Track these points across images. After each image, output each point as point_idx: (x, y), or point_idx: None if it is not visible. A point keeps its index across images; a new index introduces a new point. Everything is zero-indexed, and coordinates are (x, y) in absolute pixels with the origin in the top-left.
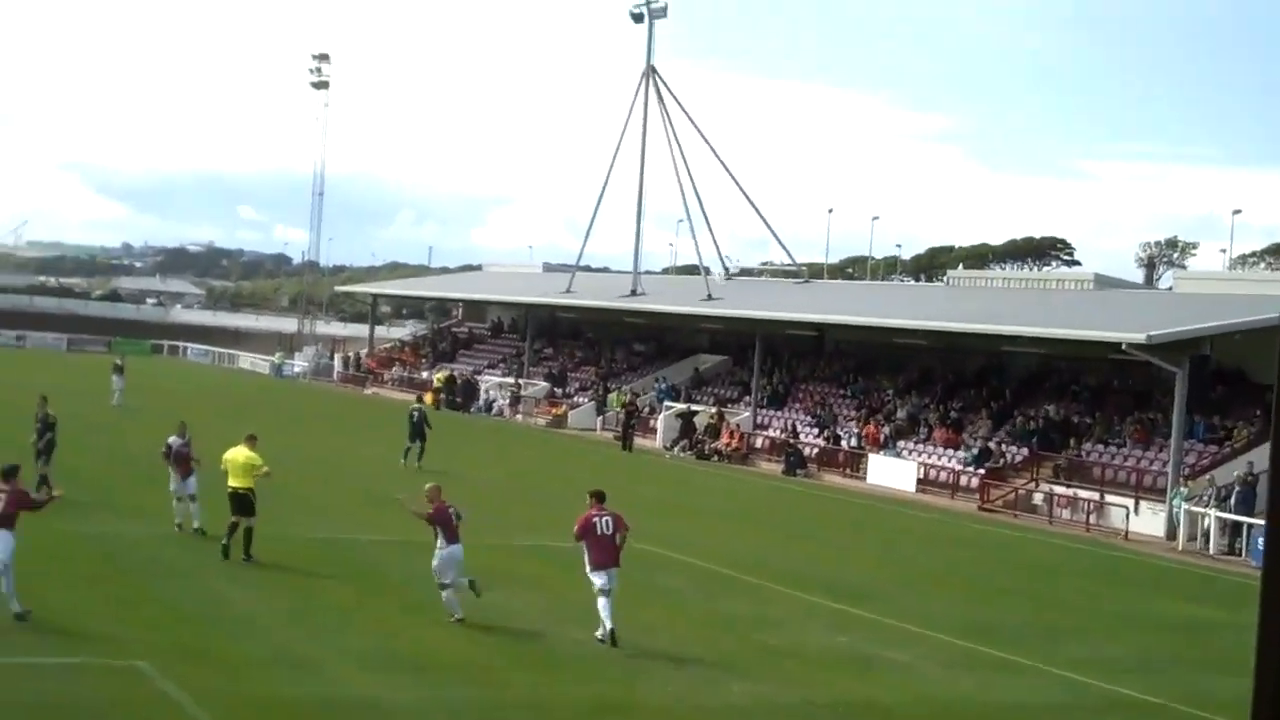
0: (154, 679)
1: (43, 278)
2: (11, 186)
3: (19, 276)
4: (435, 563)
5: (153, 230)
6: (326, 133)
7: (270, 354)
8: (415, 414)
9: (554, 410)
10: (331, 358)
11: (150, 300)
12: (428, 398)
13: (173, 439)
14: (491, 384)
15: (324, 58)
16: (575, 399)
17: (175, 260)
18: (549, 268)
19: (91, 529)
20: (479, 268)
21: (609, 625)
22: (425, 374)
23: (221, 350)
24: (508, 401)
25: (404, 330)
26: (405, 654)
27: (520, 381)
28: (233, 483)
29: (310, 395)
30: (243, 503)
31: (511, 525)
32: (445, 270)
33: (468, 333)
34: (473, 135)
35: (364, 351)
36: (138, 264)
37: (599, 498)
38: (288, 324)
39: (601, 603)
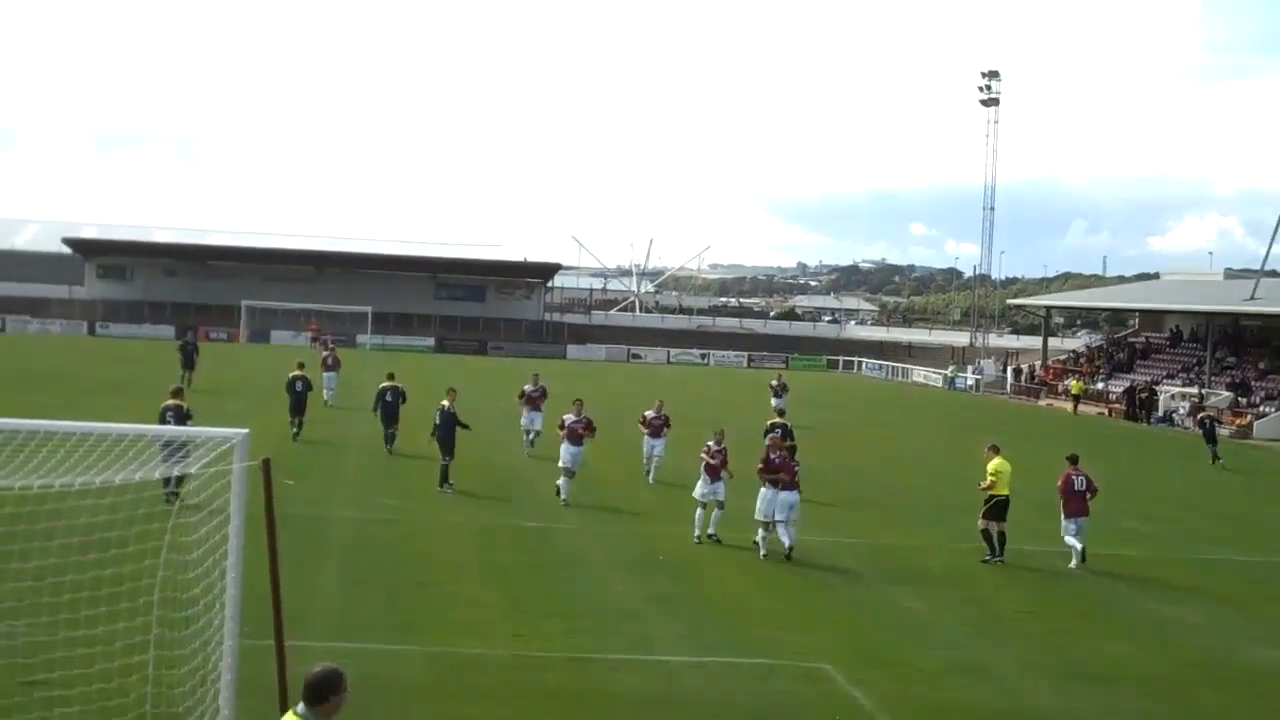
0: (839, 682)
1: (724, 298)
2: (693, 213)
3: (702, 299)
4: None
5: (827, 250)
6: (996, 149)
7: (943, 367)
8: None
9: (1238, 420)
10: (1004, 370)
11: (825, 317)
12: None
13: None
14: (1171, 394)
15: (993, 75)
16: (1261, 409)
17: (848, 278)
18: (1231, 274)
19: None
20: (1156, 276)
21: (1078, 548)
22: (1100, 385)
23: (894, 364)
24: (1188, 412)
25: (1078, 341)
26: (1083, 664)
27: (1203, 391)
28: (1002, 491)
29: (984, 408)
30: (1005, 508)
31: (1194, 539)
32: (1120, 280)
33: (1145, 342)
34: (1149, 139)
35: (1037, 363)
36: (813, 283)
37: (1074, 460)
38: (959, 337)
39: (1071, 540)
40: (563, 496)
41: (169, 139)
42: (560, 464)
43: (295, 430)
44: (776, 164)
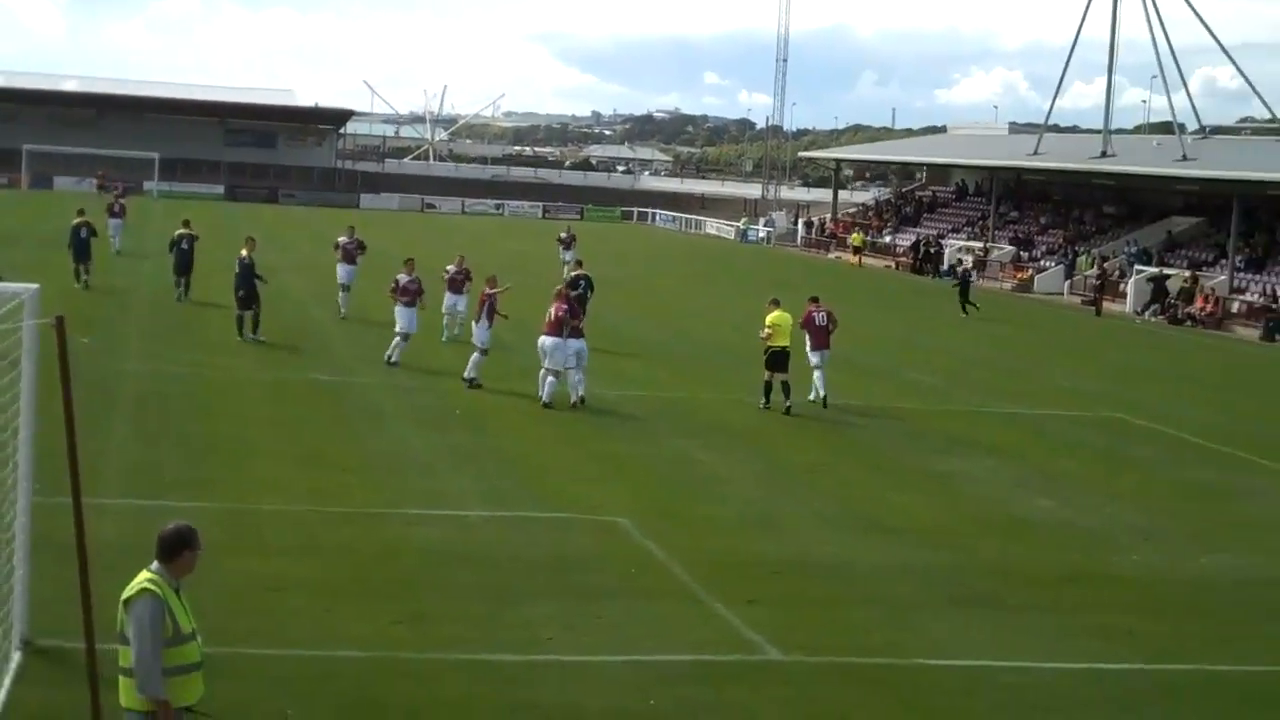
0: (634, 535)
1: (518, 148)
2: (486, 61)
3: (496, 147)
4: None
5: (621, 99)
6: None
7: (736, 220)
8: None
9: (1020, 275)
10: (795, 223)
11: (620, 168)
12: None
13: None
14: (956, 248)
15: None
16: (1042, 263)
17: (642, 127)
18: (1015, 128)
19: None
20: (943, 129)
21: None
22: (888, 238)
23: (688, 216)
24: (972, 265)
25: (867, 195)
26: (871, 516)
27: (986, 246)
28: (780, 343)
29: (774, 260)
30: (784, 358)
31: (977, 391)
32: (909, 133)
33: (932, 196)
34: None
35: (828, 216)
36: (607, 132)
37: (814, 300)
38: (752, 190)
39: (817, 375)
40: (394, 360)
41: None
42: (396, 329)
43: (83, 279)
44: (569, 9)
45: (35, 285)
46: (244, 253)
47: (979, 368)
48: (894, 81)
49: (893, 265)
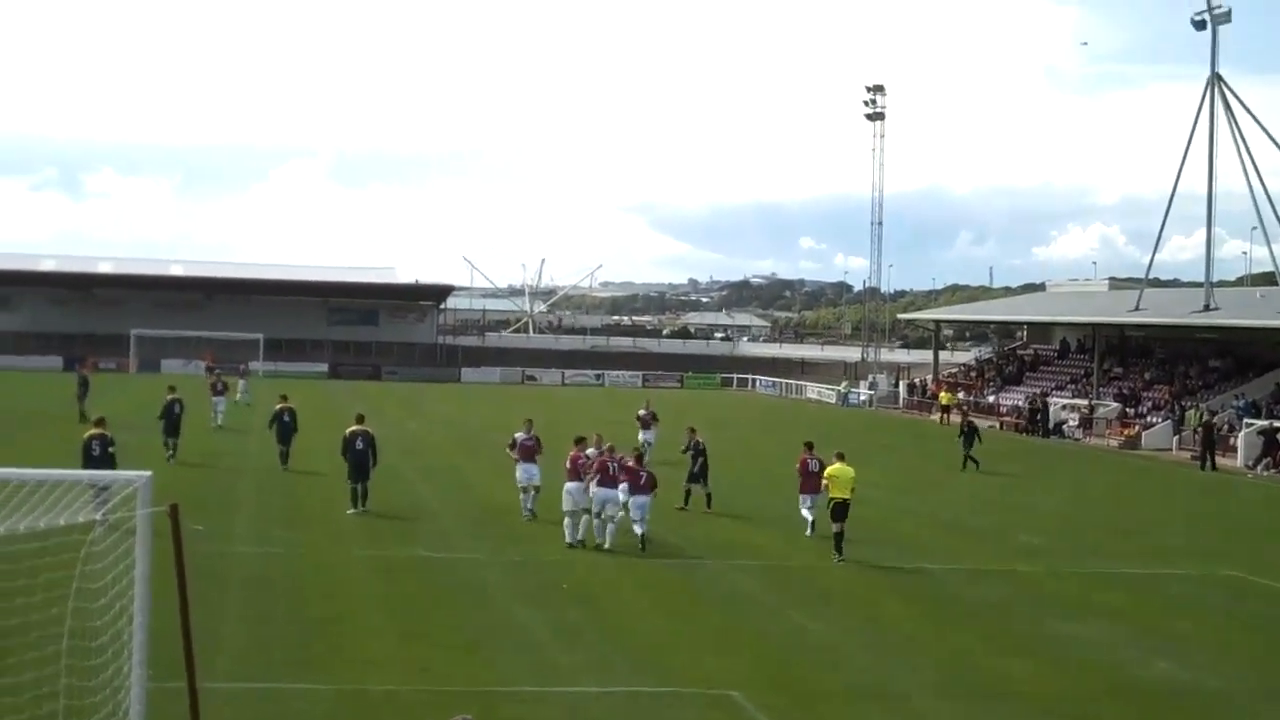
0: (747, 709)
1: (616, 317)
2: (583, 232)
3: (595, 317)
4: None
5: (717, 266)
6: (882, 164)
7: (836, 383)
8: None
9: (1126, 431)
10: (896, 384)
11: (718, 334)
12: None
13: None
14: (1060, 406)
15: (878, 89)
16: (1148, 419)
17: (739, 293)
18: (1115, 284)
19: (672, 560)
20: (1042, 287)
21: (810, 519)
22: (990, 398)
23: (788, 381)
24: (1078, 424)
25: (968, 355)
26: (984, 684)
27: (1091, 403)
28: (839, 494)
29: (876, 423)
30: (843, 509)
31: (1085, 552)
32: (1007, 291)
33: (1034, 354)
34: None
35: (929, 377)
36: (704, 299)
37: (809, 446)
38: (851, 352)
39: (805, 512)
40: (531, 508)
41: (54, 165)
42: (519, 482)
43: (171, 451)
44: (663, 180)
45: (148, 473)
46: (355, 427)
47: (1089, 527)
48: (990, 240)
49: (997, 425)
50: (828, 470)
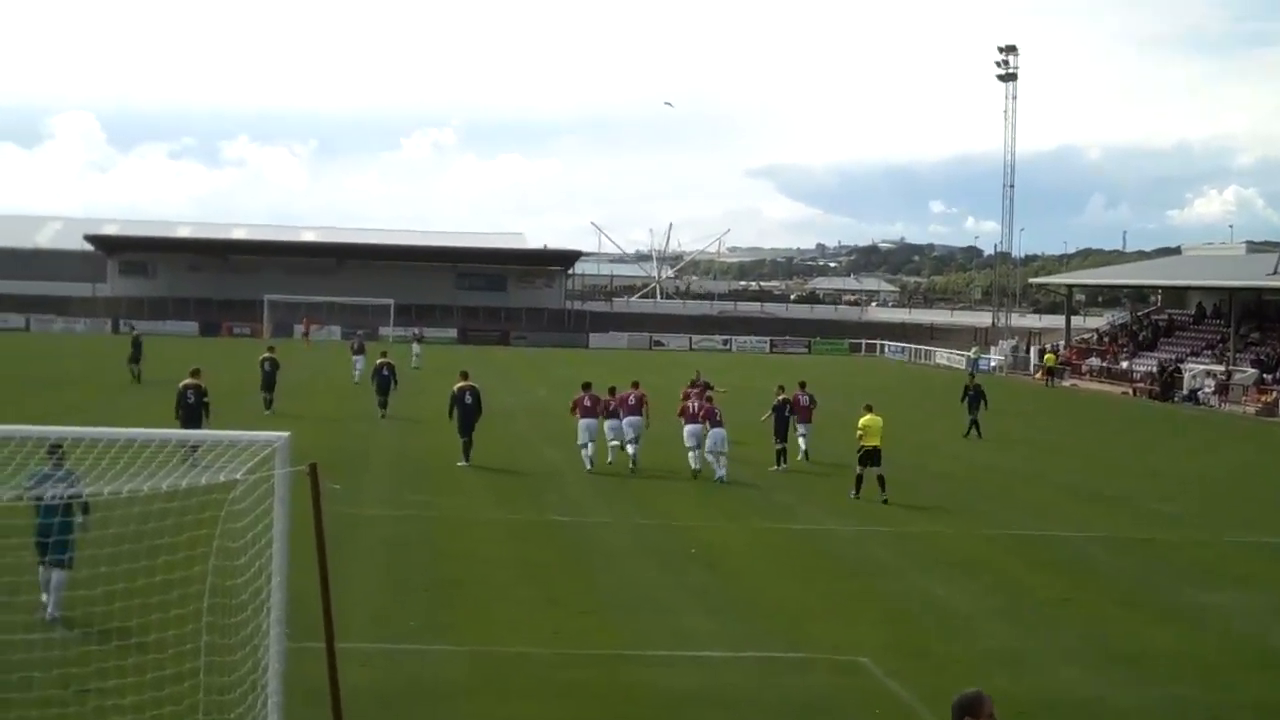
0: (876, 675)
1: (744, 283)
2: (710, 198)
3: (722, 283)
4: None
5: (845, 230)
6: (1014, 126)
7: (966, 349)
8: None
9: (1263, 398)
10: (1027, 350)
11: (846, 299)
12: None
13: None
14: (1196, 372)
15: (1011, 49)
16: None
17: (867, 258)
18: (1253, 247)
19: (799, 525)
20: (1177, 251)
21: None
22: (1124, 364)
23: (917, 346)
24: (1213, 390)
25: (1101, 319)
26: (1121, 650)
27: (1228, 369)
28: (871, 442)
29: (1006, 389)
30: (876, 455)
31: (1223, 521)
32: (1140, 255)
33: (1168, 320)
34: (1167, 111)
35: (1060, 343)
36: (832, 264)
37: (802, 385)
38: (982, 318)
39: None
40: (635, 463)
41: (192, 133)
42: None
43: (271, 406)
44: (791, 144)
45: (287, 433)
46: (461, 384)
47: (1225, 495)
48: (1124, 203)
49: (1130, 391)
50: (861, 421)
